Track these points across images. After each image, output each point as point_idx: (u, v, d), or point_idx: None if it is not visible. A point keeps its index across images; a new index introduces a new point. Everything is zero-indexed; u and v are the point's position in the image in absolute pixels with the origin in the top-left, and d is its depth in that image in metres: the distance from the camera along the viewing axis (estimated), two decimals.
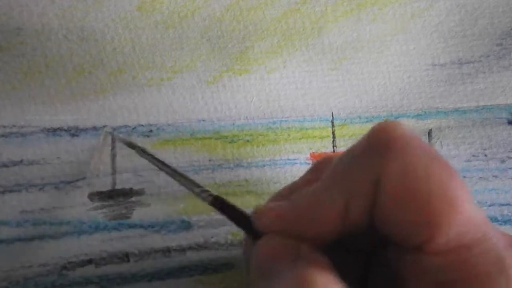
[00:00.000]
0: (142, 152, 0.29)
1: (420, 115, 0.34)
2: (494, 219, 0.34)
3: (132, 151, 0.31)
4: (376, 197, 0.20)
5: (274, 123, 0.33)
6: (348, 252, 0.23)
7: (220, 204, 0.25)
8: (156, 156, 0.28)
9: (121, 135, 0.31)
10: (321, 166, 0.25)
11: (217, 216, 0.31)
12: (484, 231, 0.20)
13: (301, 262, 0.20)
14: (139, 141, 0.31)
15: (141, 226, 0.31)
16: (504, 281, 0.19)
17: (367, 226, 0.21)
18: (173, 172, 0.27)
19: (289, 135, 0.33)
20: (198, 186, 0.26)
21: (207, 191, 0.26)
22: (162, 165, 0.28)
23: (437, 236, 0.19)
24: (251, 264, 0.22)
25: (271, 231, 0.22)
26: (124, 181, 0.31)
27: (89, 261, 0.30)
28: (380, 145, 0.21)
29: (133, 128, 0.31)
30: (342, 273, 0.20)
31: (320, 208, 0.21)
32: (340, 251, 0.22)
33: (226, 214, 0.25)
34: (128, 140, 0.30)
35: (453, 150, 0.34)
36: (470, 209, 0.20)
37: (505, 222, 0.34)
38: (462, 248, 0.20)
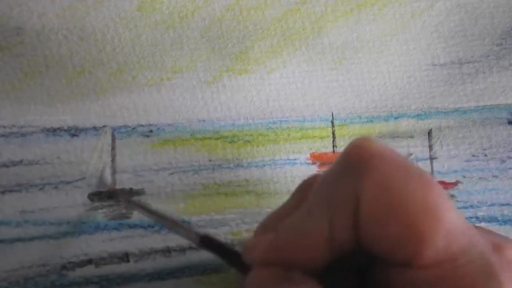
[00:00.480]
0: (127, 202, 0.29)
1: (420, 115, 0.34)
2: (494, 219, 0.34)
3: (132, 152, 0.31)
4: (358, 216, 0.20)
5: (274, 123, 0.33)
6: (341, 272, 0.23)
7: (208, 243, 0.25)
8: (137, 203, 0.29)
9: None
10: (304, 189, 0.25)
11: (217, 216, 0.32)
12: (470, 238, 0.20)
13: None
14: (139, 141, 0.31)
15: (141, 226, 0.31)
16: (494, 287, 0.19)
17: (354, 245, 0.21)
18: (156, 216, 0.27)
19: (289, 135, 0.33)
20: (184, 227, 0.26)
21: (194, 231, 0.26)
22: (144, 211, 0.28)
23: (423, 249, 0.19)
24: None
25: (260, 263, 0.22)
26: (124, 181, 0.31)
27: (89, 261, 0.30)
28: (356, 164, 0.21)
29: (133, 128, 0.31)
30: None
31: (305, 235, 0.21)
32: (333, 271, 0.22)
33: (215, 252, 0.25)
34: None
35: (453, 150, 0.34)
36: (453, 218, 0.20)
37: (505, 222, 0.34)
38: (449, 259, 0.19)
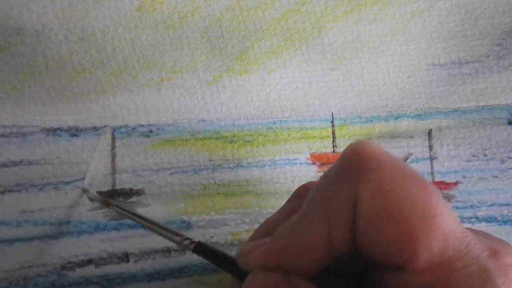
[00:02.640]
0: (118, 208, 0.29)
1: (420, 115, 0.34)
2: (494, 219, 0.34)
3: (132, 152, 0.31)
4: (355, 220, 0.20)
5: (274, 123, 0.33)
6: (338, 276, 0.23)
7: (203, 250, 0.25)
8: (133, 212, 0.29)
9: (94, 193, 0.30)
10: (300, 195, 0.25)
11: (217, 216, 0.32)
12: (467, 243, 0.20)
13: None
14: (139, 141, 0.31)
15: (141, 226, 0.31)
16: None
17: (352, 249, 0.21)
18: (152, 224, 0.27)
19: (289, 135, 0.33)
20: (179, 234, 0.26)
21: (189, 238, 0.25)
22: (139, 219, 0.28)
23: (418, 253, 0.19)
24: None
25: (257, 268, 0.22)
26: (124, 181, 0.31)
27: (89, 261, 0.30)
28: (353, 167, 0.21)
29: (133, 128, 0.31)
30: None
31: (303, 239, 0.21)
32: (330, 276, 0.22)
33: (210, 259, 0.25)
34: (101, 198, 0.30)
35: (453, 150, 0.34)
36: (449, 222, 0.20)
37: (505, 222, 0.34)
38: (445, 263, 0.19)
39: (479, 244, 0.20)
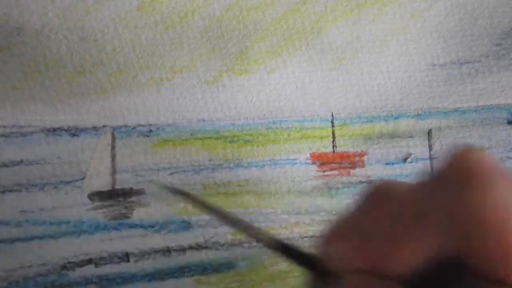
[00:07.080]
0: (194, 199, 0.28)
1: (420, 115, 0.34)
2: None
3: (132, 152, 0.31)
4: (463, 229, 0.20)
5: (274, 123, 0.33)
6: (428, 283, 0.23)
7: (286, 249, 0.24)
8: (210, 205, 0.27)
9: (165, 184, 0.30)
10: (377, 195, 0.24)
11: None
12: None
13: None
14: (139, 141, 0.31)
15: (141, 226, 0.31)
16: None
17: (448, 259, 0.21)
18: (234, 220, 0.26)
19: (289, 135, 0.33)
20: (262, 233, 0.25)
21: (272, 237, 0.25)
22: (219, 213, 0.26)
23: None
24: None
25: (348, 271, 0.22)
26: (124, 181, 0.31)
27: (89, 261, 0.30)
28: (461, 177, 0.20)
29: (133, 128, 0.31)
30: None
31: (400, 246, 0.21)
32: (420, 283, 0.22)
33: (294, 259, 0.24)
34: (176, 188, 0.30)
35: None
36: None
37: None
38: None
39: None
